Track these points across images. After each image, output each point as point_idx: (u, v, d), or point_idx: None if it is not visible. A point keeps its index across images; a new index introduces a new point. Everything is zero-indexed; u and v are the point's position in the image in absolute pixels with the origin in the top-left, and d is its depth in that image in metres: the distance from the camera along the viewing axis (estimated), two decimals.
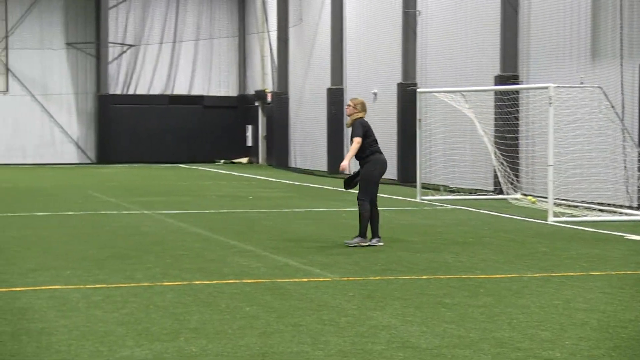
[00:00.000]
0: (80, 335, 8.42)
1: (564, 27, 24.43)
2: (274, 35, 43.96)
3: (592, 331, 8.70)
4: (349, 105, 15.09)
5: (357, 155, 14.88)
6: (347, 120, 15.20)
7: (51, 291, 10.68)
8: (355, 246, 14.63)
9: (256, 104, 47.27)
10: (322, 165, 38.64)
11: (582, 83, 22.47)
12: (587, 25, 23.53)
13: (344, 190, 15.64)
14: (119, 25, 47.12)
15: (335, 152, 37.39)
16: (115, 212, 20.73)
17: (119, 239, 15.70)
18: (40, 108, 46.40)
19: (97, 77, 46.66)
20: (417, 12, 31.56)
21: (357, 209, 14.98)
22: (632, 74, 21.77)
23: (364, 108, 15.12)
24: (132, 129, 46.91)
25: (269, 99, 44.85)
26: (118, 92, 47.16)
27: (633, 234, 16.66)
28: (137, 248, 14.45)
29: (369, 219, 14.81)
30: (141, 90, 47.55)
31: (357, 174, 15.13)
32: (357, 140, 14.77)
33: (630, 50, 21.95)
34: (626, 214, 20.12)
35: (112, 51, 46.92)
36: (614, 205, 21.15)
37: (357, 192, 15.04)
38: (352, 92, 36.43)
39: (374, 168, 14.97)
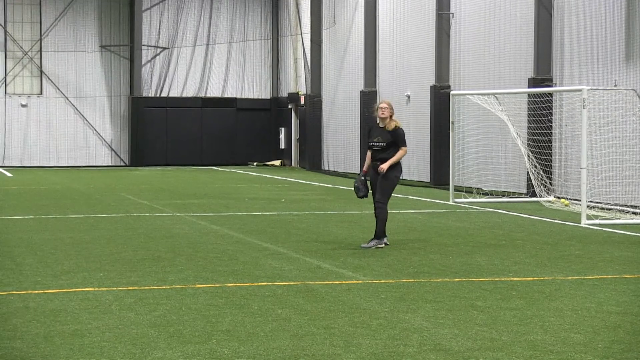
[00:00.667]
0: (112, 338, 8.47)
1: (597, 30, 24.30)
2: (307, 37, 44.02)
3: (625, 334, 8.66)
4: (386, 108, 15.02)
5: (389, 157, 14.82)
6: (383, 122, 15.02)
7: (84, 293, 10.75)
8: (372, 248, 14.66)
9: (289, 106, 47.34)
10: (355, 167, 38.64)
11: (616, 85, 22.35)
12: (621, 28, 23.40)
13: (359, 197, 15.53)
14: (152, 27, 47.37)
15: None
16: (148, 214, 20.82)
17: (152, 241, 15.77)
18: (74, 111, 46.71)
19: (130, 79, 46.91)
20: (451, 15, 31.51)
21: (375, 212, 14.95)
22: None
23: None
24: (165, 132, 47.13)
25: (302, 101, 44.91)
26: (151, 94, 47.39)
27: None
28: (169, 250, 14.51)
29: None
30: (174, 93, 47.75)
31: (365, 181, 15.10)
32: (405, 150, 14.94)
33: None
34: None
35: (146, 54, 47.17)
36: None
37: (378, 195, 14.97)
38: (385, 94, 36.43)
39: (399, 174, 15.09)
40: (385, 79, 36.65)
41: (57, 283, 11.44)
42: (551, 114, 25.41)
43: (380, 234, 14.88)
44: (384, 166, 14.78)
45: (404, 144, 14.93)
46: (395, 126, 14.91)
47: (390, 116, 14.97)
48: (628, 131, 21.40)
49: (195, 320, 9.20)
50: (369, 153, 15.08)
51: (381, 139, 14.86)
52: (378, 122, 15.04)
